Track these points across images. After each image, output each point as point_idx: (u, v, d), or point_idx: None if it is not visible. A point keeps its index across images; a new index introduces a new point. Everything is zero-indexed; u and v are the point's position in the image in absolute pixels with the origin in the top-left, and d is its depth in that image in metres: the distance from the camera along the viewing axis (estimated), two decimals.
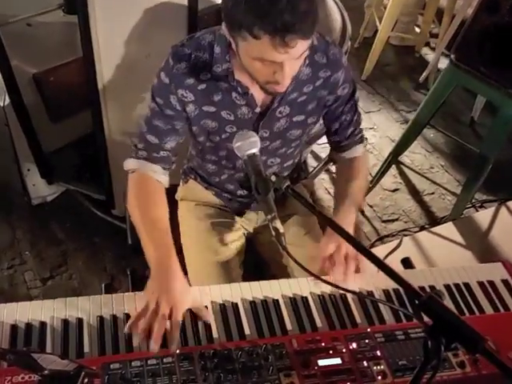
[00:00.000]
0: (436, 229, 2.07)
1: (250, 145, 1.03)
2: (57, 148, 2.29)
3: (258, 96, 1.25)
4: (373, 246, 2.23)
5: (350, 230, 1.30)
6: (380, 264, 0.86)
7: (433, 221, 2.53)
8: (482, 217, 2.03)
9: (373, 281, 1.28)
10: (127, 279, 2.10)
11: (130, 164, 1.33)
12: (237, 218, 1.53)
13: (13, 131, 2.09)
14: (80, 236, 2.30)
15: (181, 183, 1.63)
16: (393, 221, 2.56)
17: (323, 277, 1.01)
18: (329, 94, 1.32)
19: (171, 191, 1.63)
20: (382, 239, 2.40)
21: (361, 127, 1.47)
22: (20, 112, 2.01)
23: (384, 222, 2.56)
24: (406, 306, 1.25)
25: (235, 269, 1.45)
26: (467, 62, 2.12)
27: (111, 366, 0.98)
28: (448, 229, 2.10)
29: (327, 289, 1.24)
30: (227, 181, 1.47)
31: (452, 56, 2.13)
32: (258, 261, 1.60)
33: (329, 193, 2.67)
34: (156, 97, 1.25)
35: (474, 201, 2.58)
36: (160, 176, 1.32)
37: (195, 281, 1.42)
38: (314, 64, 1.26)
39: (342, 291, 1.21)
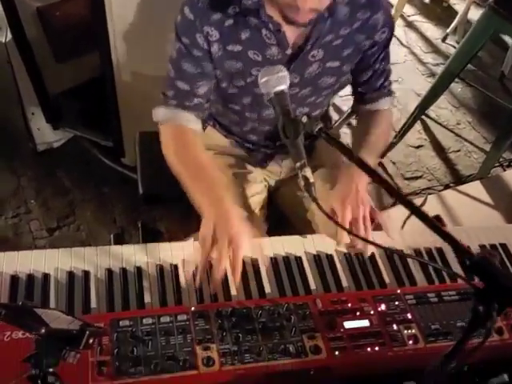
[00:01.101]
0: (462, 187, 1.99)
1: (278, 80, 0.90)
2: (63, 90, 2.16)
3: (291, 35, 1.13)
4: (395, 204, 2.12)
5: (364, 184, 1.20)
6: (425, 217, 0.75)
7: (458, 179, 2.41)
8: (511, 176, 1.93)
9: (401, 239, 1.19)
10: (138, 232, 2.03)
11: (160, 114, 1.22)
12: (259, 170, 1.42)
13: (16, 70, 1.95)
14: (88, 185, 2.21)
15: None
16: (416, 178, 2.45)
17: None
18: (366, 38, 1.20)
19: None
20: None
21: (390, 79, 1.35)
22: (23, 49, 1.87)
23: (407, 179, 2.45)
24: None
25: (260, 224, 1.36)
26: (507, 5, 1.98)
27: (120, 322, 0.90)
28: (475, 188, 2.01)
29: None
30: (250, 132, 1.36)
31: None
32: (280, 216, 1.50)
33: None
34: (181, 36, 1.13)
35: (501, 160, 2.45)
36: (195, 125, 1.22)
37: None
38: (353, 3, 1.14)
39: (372, 247, 1.12)
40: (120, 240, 1.26)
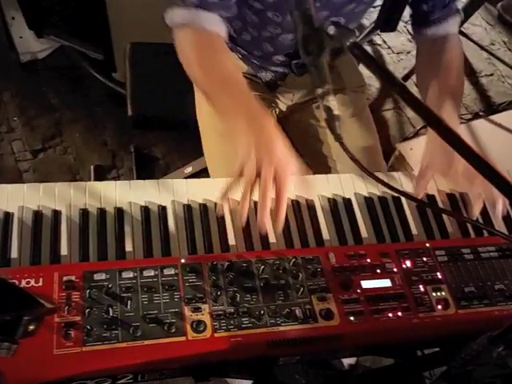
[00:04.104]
0: (494, 117, 1.78)
1: None
2: None
3: None
4: (418, 133, 1.91)
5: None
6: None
7: (489, 107, 2.16)
8: None
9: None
10: (130, 157, 1.86)
11: (177, 16, 0.99)
12: (266, 93, 1.21)
13: None
14: (77, 103, 1.99)
15: None
16: None
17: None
18: None
19: None
20: (427, 126, 2.08)
21: None
22: None
23: None
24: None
25: None
26: None
27: (95, 276, 0.75)
28: (508, 117, 1.80)
29: (377, 189, 0.97)
30: (267, 40, 1.13)
31: None
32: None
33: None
34: None
35: None
36: (219, 27, 0.99)
37: (214, 169, 1.17)
38: None
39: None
40: (102, 173, 1.09)
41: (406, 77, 2.28)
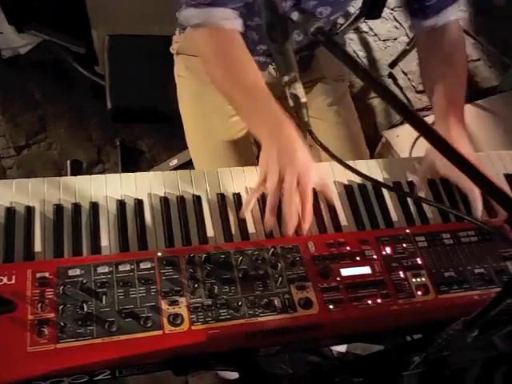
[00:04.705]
0: (481, 102, 1.77)
1: None
2: None
3: None
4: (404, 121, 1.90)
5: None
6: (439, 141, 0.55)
7: (476, 92, 2.14)
8: None
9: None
10: (116, 151, 1.84)
11: (190, 16, 0.96)
12: None
13: None
14: (61, 98, 1.97)
15: (177, 32, 1.26)
16: None
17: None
18: None
19: (165, 43, 1.28)
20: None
21: None
22: None
23: (419, 92, 2.20)
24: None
25: (248, 147, 1.17)
26: None
27: (69, 271, 0.74)
28: (495, 102, 1.80)
29: (356, 178, 0.96)
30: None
31: None
32: None
33: (357, 56, 2.26)
34: None
35: None
36: (234, 22, 0.96)
37: (198, 162, 1.15)
38: None
39: None
40: (78, 167, 1.07)
41: (393, 63, 2.26)
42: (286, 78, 0.63)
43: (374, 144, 1.78)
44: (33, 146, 1.84)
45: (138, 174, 0.90)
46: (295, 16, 0.57)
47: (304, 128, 0.65)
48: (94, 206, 0.84)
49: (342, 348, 1.47)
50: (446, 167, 0.95)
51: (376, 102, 2.20)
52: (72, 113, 1.94)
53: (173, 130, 1.79)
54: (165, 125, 1.77)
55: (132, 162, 1.79)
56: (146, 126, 1.87)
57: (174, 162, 1.58)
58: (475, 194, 0.93)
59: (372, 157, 1.50)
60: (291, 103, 0.64)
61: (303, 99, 0.64)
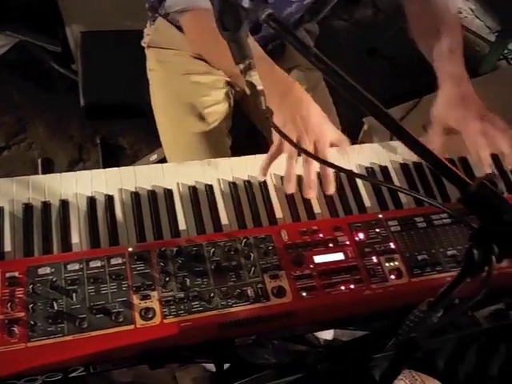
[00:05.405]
0: None
1: None
2: None
3: None
4: (385, 106, 1.90)
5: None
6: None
7: None
8: None
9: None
10: (97, 149, 1.83)
11: (173, 4, 0.98)
12: (221, 72, 1.19)
13: None
14: (40, 98, 1.95)
15: (148, 24, 1.26)
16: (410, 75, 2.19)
17: None
18: None
19: (138, 38, 1.27)
20: (395, 99, 2.05)
21: None
22: None
23: (399, 78, 2.18)
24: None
25: (222, 138, 1.16)
26: None
27: (39, 270, 0.74)
28: (477, 84, 1.79)
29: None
30: None
31: None
32: (250, 129, 1.30)
33: (336, 43, 2.25)
34: None
35: (506, 52, 2.18)
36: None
37: (171, 156, 1.15)
38: None
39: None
40: (49, 166, 1.07)
41: (372, 50, 2.26)
42: (241, 66, 0.62)
43: (357, 131, 1.78)
44: (13, 146, 1.83)
45: (107, 169, 0.89)
46: (246, 3, 0.56)
47: (263, 116, 0.65)
48: (64, 204, 0.84)
49: (329, 336, 1.48)
50: (458, 120, 0.96)
51: None
52: (51, 112, 1.93)
53: (154, 126, 1.79)
54: (145, 120, 1.76)
55: (114, 159, 1.79)
56: (126, 123, 1.87)
57: (153, 157, 1.57)
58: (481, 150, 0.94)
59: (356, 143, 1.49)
60: (248, 91, 0.64)
61: (259, 86, 0.64)
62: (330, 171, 0.87)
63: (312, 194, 0.87)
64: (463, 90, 0.97)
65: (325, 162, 0.68)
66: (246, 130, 1.30)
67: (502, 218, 0.50)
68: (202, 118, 1.14)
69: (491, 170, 0.95)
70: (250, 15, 0.57)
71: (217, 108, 1.16)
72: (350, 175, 0.93)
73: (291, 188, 0.87)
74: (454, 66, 0.99)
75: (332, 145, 0.91)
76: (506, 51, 2.15)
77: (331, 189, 0.88)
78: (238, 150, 1.08)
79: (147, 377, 1.35)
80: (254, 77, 0.63)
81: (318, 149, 0.86)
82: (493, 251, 0.52)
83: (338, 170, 0.67)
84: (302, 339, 1.12)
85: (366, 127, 1.80)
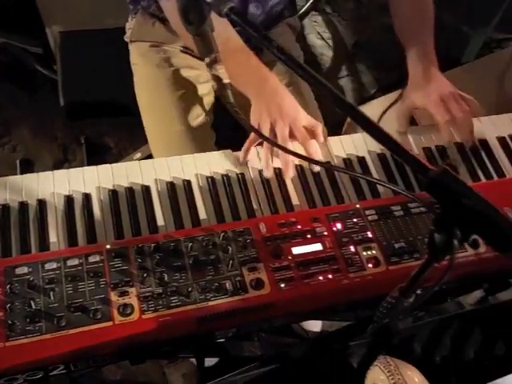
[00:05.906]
0: (445, 74, 1.77)
1: None
2: None
3: None
4: (373, 97, 1.90)
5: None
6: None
7: (440, 64, 2.15)
8: (499, 58, 1.70)
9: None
10: (82, 149, 1.83)
11: None
12: (204, 65, 1.19)
13: None
14: (24, 100, 1.94)
15: (129, 18, 1.25)
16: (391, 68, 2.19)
17: None
18: None
19: (120, 35, 1.27)
20: (382, 90, 2.06)
21: None
22: None
23: (385, 70, 2.18)
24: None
25: (205, 132, 1.17)
26: None
27: (17, 270, 0.74)
28: (458, 73, 1.80)
29: None
30: None
31: None
32: (233, 123, 1.30)
33: (322, 38, 2.26)
34: None
35: (488, 40, 2.19)
36: None
37: (156, 151, 1.15)
38: None
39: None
40: (29, 166, 1.06)
41: (356, 43, 2.26)
42: (207, 60, 0.63)
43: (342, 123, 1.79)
44: None
45: (85, 168, 0.90)
46: None
47: (230, 109, 0.65)
48: (41, 204, 0.84)
49: (316, 328, 1.49)
50: (421, 97, 1.02)
51: (343, 81, 2.21)
52: (35, 114, 1.92)
53: (138, 124, 1.79)
54: (130, 119, 1.76)
55: (98, 159, 1.78)
56: (111, 122, 1.86)
57: (137, 155, 1.57)
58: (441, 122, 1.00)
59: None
60: (214, 85, 0.64)
61: (226, 80, 0.64)
62: (315, 144, 0.91)
63: (290, 172, 0.90)
64: (428, 72, 1.01)
65: (299, 155, 0.68)
66: (229, 123, 1.30)
67: (461, 202, 0.50)
68: (186, 111, 1.14)
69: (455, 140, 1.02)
70: (212, 8, 0.57)
71: (201, 101, 1.16)
72: (329, 169, 0.94)
73: (268, 173, 0.91)
74: (422, 50, 1.05)
75: (307, 129, 0.92)
76: (487, 39, 2.16)
77: (290, 174, 0.91)
78: (223, 144, 1.08)
79: (136, 374, 1.36)
80: (220, 70, 0.63)
81: (294, 129, 0.90)
82: (455, 235, 0.52)
83: (311, 161, 0.67)
84: (289, 331, 1.13)
85: (349, 120, 1.81)
